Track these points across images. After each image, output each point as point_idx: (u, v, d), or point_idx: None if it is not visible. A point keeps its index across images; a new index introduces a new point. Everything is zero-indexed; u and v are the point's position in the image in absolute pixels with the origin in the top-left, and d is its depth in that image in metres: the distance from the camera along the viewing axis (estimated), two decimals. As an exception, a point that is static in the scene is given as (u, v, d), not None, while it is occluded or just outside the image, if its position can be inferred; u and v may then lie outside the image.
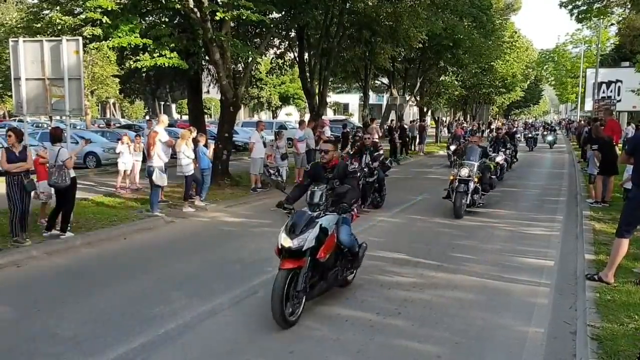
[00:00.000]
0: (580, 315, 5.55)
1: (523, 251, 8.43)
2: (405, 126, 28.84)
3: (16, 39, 9.95)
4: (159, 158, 10.86)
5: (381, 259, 7.79)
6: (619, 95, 38.12)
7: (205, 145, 12.45)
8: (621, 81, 38.18)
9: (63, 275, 7.18)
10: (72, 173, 8.84)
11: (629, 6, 22.45)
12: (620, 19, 31.78)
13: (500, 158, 15.19)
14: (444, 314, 5.73)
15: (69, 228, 8.85)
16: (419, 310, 5.84)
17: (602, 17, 28.64)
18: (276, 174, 15.21)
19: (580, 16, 22.20)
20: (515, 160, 21.96)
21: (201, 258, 8.03)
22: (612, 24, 37.06)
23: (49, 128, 10.95)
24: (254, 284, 6.63)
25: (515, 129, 33.01)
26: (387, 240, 9.00)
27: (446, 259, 7.88)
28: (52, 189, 8.97)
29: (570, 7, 21.38)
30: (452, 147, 19.68)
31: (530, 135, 33.67)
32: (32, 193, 8.55)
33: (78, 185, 9.51)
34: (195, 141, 11.91)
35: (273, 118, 53.91)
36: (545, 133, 40.48)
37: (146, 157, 11.69)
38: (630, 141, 7.29)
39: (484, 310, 5.88)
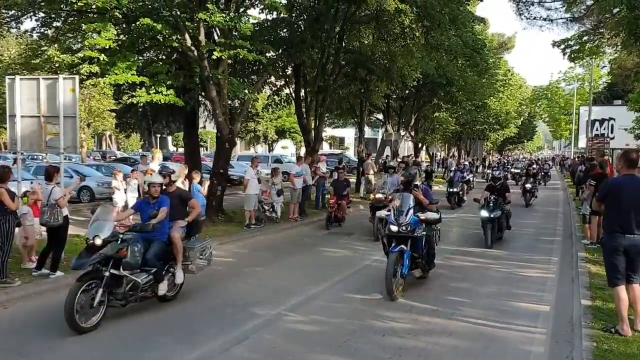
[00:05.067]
0: (577, 366, 5.45)
1: (519, 295, 8.32)
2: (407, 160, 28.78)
3: (13, 77, 10.00)
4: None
5: (376, 303, 7.70)
6: (612, 132, 38.50)
7: (200, 183, 12.42)
8: (614, 119, 38.65)
9: (51, 317, 6.98)
10: (65, 211, 8.74)
11: (619, 47, 22.87)
12: (612, 57, 32.39)
13: None
14: (438, 364, 5.62)
15: (58, 267, 8.71)
16: (413, 359, 5.72)
17: (594, 56, 29.21)
18: (270, 209, 15.21)
19: (572, 55, 22.64)
20: None
21: (191, 300, 7.89)
22: (604, 66, 37.68)
23: (46, 165, 10.91)
24: (245, 329, 6.51)
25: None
26: (382, 282, 8.88)
27: (441, 303, 7.77)
28: (43, 228, 8.88)
29: (562, 46, 21.81)
30: None
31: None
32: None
33: (71, 221, 9.42)
34: (190, 178, 11.89)
35: (269, 151, 54.18)
36: (484, 200, 12.58)
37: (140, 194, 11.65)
38: (601, 189, 7.23)
39: (480, 359, 5.77)
